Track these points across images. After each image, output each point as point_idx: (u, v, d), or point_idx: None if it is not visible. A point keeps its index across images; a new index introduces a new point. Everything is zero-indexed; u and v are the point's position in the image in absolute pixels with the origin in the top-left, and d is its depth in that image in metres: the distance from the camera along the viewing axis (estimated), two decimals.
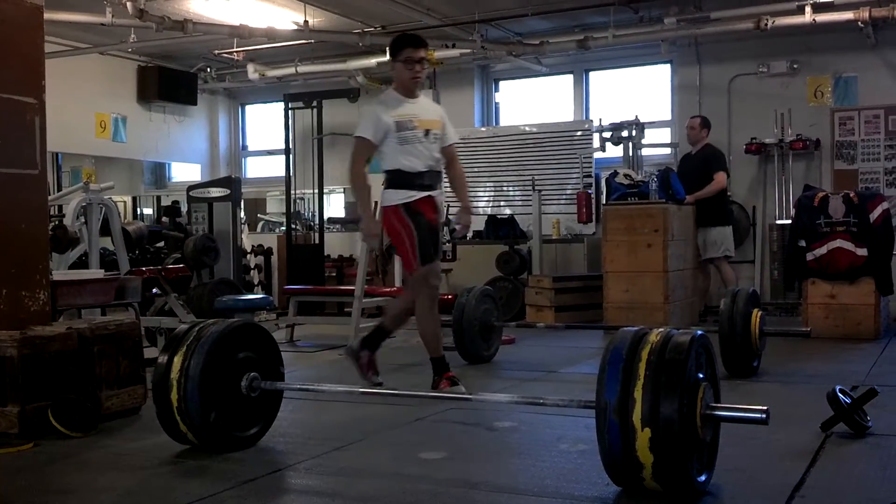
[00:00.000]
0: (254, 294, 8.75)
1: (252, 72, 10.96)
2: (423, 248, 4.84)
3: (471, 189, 11.12)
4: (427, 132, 4.90)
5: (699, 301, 8.46)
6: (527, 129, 10.49)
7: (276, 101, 11.58)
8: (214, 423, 3.56)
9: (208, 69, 11.72)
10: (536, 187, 9.52)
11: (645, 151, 9.83)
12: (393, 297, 7.92)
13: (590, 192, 9.76)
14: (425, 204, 4.89)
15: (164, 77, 11.28)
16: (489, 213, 10.30)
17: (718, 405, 2.99)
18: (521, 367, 5.99)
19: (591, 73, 10.80)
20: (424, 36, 9.63)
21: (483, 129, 10.96)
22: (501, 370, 5.84)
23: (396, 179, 4.88)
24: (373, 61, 10.32)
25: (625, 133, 9.73)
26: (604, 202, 8.41)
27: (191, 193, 9.39)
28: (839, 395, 3.77)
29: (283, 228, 11.12)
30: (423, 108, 5.01)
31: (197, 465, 3.49)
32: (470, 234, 5.33)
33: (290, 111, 10.67)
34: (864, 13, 8.10)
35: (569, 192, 10.02)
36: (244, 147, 13.04)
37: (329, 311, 9.25)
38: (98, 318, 5.36)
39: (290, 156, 10.65)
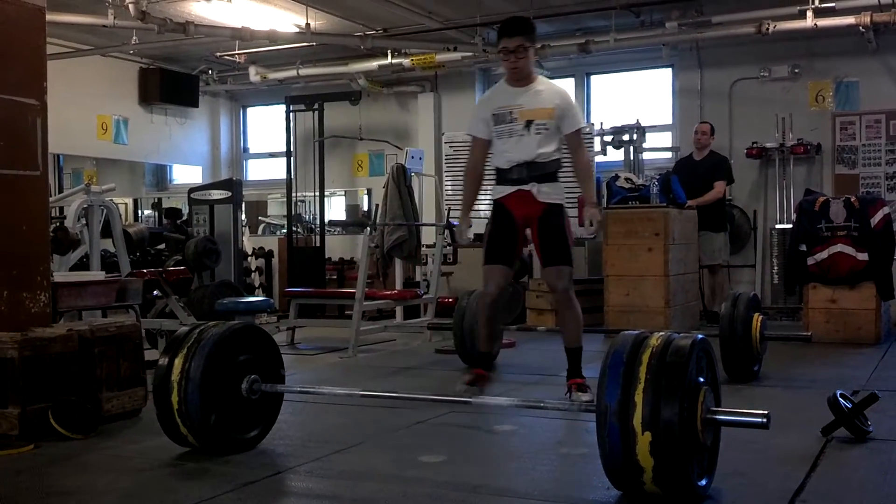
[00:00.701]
0: (254, 296, 8.74)
1: (253, 74, 10.98)
2: (488, 247, 4.77)
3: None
4: (529, 123, 4.60)
5: (714, 300, 8.44)
6: None
7: (278, 104, 11.59)
8: (215, 425, 3.56)
9: (210, 71, 11.74)
10: None
11: (646, 155, 9.82)
12: (394, 299, 7.95)
13: None
14: (514, 199, 4.68)
15: (165, 79, 11.29)
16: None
17: (719, 409, 2.98)
18: (521, 371, 5.99)
19: (593, 77, 10.80)
20: (425, 39, 9.80)
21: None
22: (502, 373, 5.83)
23: (495, 176, 4.77)
24: (374, 64, 10.33)
25: (626, 137, 9.73)
26: (605, 206, 8.40)
27: (192, 195, 9.39)
28: (840, 399, 3.77)
29: (284, 231, 11.12)
30: (532, 96, 4.66)
31: (197, 468, 3.49)
32: (470, 237, 5.08)
33: (291, 114, 10.68)
34: (866, 18, 8.10)
35: (570, 195, 9.97)
36: (245, 149, 13.05)
37: (330, 314, 9.25)
38: (99, 320, 5.36)
39: (292, 158, 10.65)
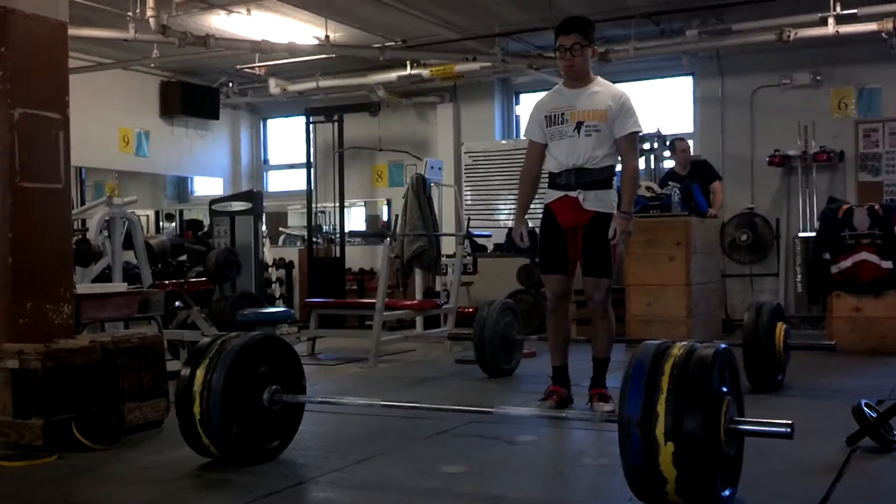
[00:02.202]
0: (275, 307, 8.77)
1: (273, 86, 11.03)
2: (541, 255, 4.70)
3: (491, 202, 11.35)
4: (580, 125, 4.45)
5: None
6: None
7: (298, 116, 11.65)
8: (236, 435, 3.57)
9: (230, 84, 11.82)
10: None
11: (667, 164, 9.79)
12: (414, 310, 7.95)
13: None
14: (561, 205, 4.56)
15: (186, 92, 11.38)
16: (510, 225, 10.29)
17: (742, 419, 2.96)
18: (542, 381, 5.93)
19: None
20: (444, 50, 9.81)
21: (504, 141, 10.96)
22: (522, 384, 5.82)
23: (549, 180, 4.64)
24: (393, 75, 10.36)
25: (646, 146, 9.71)
26: None
27: (213, 207, 9.44)
28: (865, 409, 3.73)
29: (305, 242, 11.16)
30: (587, 97, 4.51)
31: (219, 478, 3.49)
32: (526, 242, 4.84)
33: (311, 125, 10.73)
34: (888, 24, 8.03)
35: None
36: (266, 161, 13.12)
37: (350, 325, 9.26)
38: (121, 332, 5.39)
39: (312, 169, 10.70)
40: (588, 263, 4.56)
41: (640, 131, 4.57)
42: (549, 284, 4.70)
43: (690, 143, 9.99)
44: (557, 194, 4.55)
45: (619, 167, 4.63)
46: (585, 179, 4.46)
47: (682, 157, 8.54)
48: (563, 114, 4.49)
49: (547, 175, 4.68)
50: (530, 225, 4.85)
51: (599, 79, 4.63)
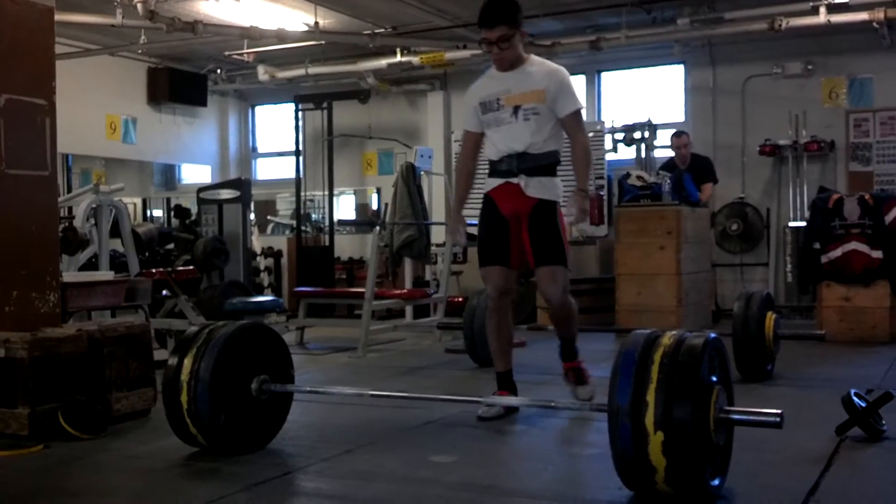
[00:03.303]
0: (263, 296, 8.74)
1: (262, 73, 10.97)
2: (480, 246, 4.36)
3: (481, 191, 11.15)
4: (516, 109, 4.18)
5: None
6: None
7: (287, 103, 11.59)
8: (224, 425, 3.55)
9: (218, 70, 11.74)
10: None
11: (657, 153, 9.78)
12: (404, 299, 7.93)
13: (602, 193, 9.73)
14: (502, 193, 4.27)
15: (174, 78, 11.30)
16: None
17: (732, 409, 2.96)
18: (531, 371, 5.95)
19: (604, 74, 10.77)
20: (434, 37, 9.77)
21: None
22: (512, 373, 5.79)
23: (488, 168, 4.36)
24: (383, 63, 10.32)
25: (637, 134, 9.71)
26: (616, 204, 8.37)
27: (201, 195, 9.39)
28: (854, 398, 3.73)
29: (294, 230, 11.12)
30: (521, 79, 4.22)
31: (206, 468, 3.47)
32: (462, 240, 4.62)
33: (300, 112, 10.68)
34: (880, 14, 8.05)
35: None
36: (254, 149, 13.06)
37: (339, 314, 9.24)
38: (108, 320, 5.36)
39: (301, 157, 10.66)
40: (539, 253, 4.24)
41: (582, 108, 4.30)
42: (489, 278, 4.31)
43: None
44: (498, 181, 4.27)
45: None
46: (528, 165, 4.20)
47: (679, 153, 8.52)
48: (497, 99, 4.22)
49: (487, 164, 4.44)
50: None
51: (533, 57, 4.34)
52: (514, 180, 4.21)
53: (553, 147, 4.24)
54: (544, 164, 4.23)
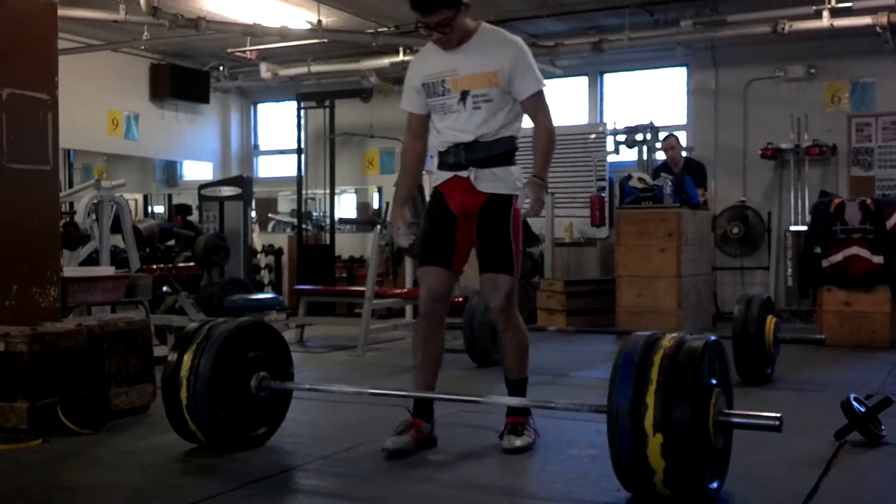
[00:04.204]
0: (264, 294, 8.74)
1: (265, 71, 10.97)
2: (421, 243, 3.84)
3: None
4: (464, 95, 3.62)
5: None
6: None
7: (289, 101, 11.59)
8: (223, 421, 3.55)
9: (221, 68, 11.74)
10: (549, 190, 9.45)
11: (659, 155, 9.78)
12: (404, 298, 7.93)
13: (603, 195, 9.73)
14: (451, 187, 3.74)
15: (176, 75, 11.29)
16: None
17: (731, 411, 2.96)
18: (531, 371, 5.89)
19: (606, 76, 10.76)
20: None
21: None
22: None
23: (438, 160, 3.84)
24: (386, 61, 10.31)
25: (639, 136, 9.70)
26: (617, 206, 8.37)
27: (202, 192, 9.39)
28: (853, 403, 3.73)
29: (294, 228, 11.12)
30: (470, 56, 3.61)
31: (205, 464, 3.48)
32: (406, 241, 3.91)
33: (302, 111, 10.68)
34: (883, 18, 8.04)
35: (582, 195, 9.99)
36: (256, 146, 13.06)
37: (339, 312, 9.24)
38: (108, 316, 5.36)
39: (302, 155, 10.65)
40: (484, 256, 3.71)
41: (544, 86, 3.68)
42: (424, 279, 3.76)
43: (683, 134, 10.03)
44: (446, 175, 3.75)
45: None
46: (478, 156, 3.65)
47: (670, 155, 8.52)
48: (443, 81, 3.64)
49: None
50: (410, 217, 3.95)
51: (483, 27, 3.70)
52: (464, 174, 3.68)
53: (509, 133, 3.69)
54: (498, 153, 3.68)
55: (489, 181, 3.67)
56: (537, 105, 3.67)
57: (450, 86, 3.63)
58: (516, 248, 3.70)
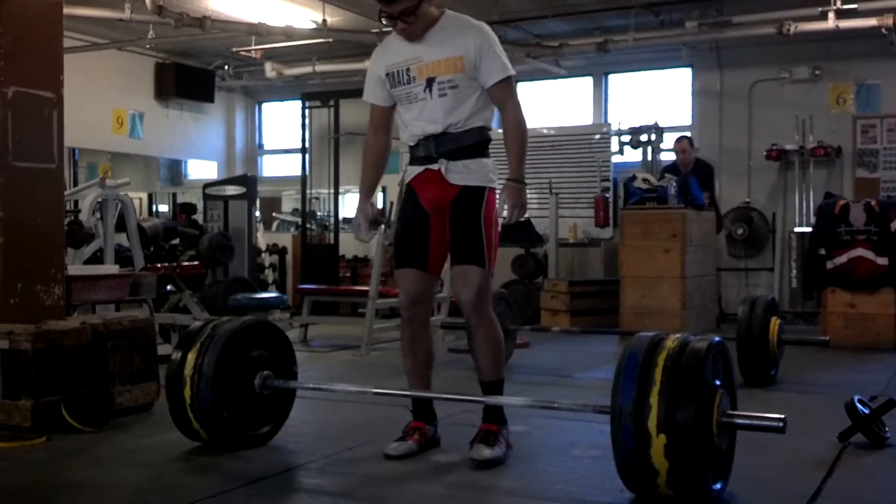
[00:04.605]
0: (268, 293, 8.74)
1: (269, 70, 10.97)
2: (396, 244, 3.75)
3: None
4: (430, 82, 3.48)
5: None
6: (545, 131, 10.45)
7: (294, 100, 11.59)
8: (227, 420, 3.55)
9: (226, 67, 11.75)
10: (553, 190, 9.48)
11: (664, 156, 9.77)
12: None
13: (607, 196, 9.72)
14: (422, 182, 3.61)
15: (181, 74, 11.30)
16: (504, 214, 10.25)
17: (735, 413, 2.96)
18: (534, 371, 5.96)
19: (611, 76, 10.75)
20: None
21: (500, 130, 10.91)
22: (515, 374, 5.80)
23: (410, 154, 3.70)
24: None
25: (644, 137, 9.70)
26: (621, 206, 8.36)
27: (206, 191, 9.40)
28: (857, 405, 3.73)
29: (299, 227, 11.12)
30: (434, 43, 3.50)
31: (208, 463, 3.48)
32: (367, 236, 3.86)
33: (307, 110, 10.67)
34: (888, 20, 8.01)
35: (586, 195, 9.98)
36: (260, 145, 13.06)
37: (343, 312, 9.24)
38: (112, 314, 5.36)
39: (307, 155, 10.65)
40: (455, 249, 3.56)
41: (512, 74, 3.54)
42: (402, 283, 3.66)
43: (687, 134, 10.02)
44: (417, 169, 3.61)
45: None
46: (448, 147, 3.51)
47: (681, 158, 8.50)
48: (407, 69, 3.52)
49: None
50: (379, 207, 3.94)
51: (448, 13, 3.58)
52: (434, 166, 3.54)
53: (479, 123, 3.55)
54: (469, 144, 3.53)
55: (461, 173, 3.53)
56: (504, 93, 3.52)
57: (415, 73, 3.51)
58: (489, 240, 3.52)
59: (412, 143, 3.62)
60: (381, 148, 3.78)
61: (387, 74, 3.60)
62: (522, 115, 3.57)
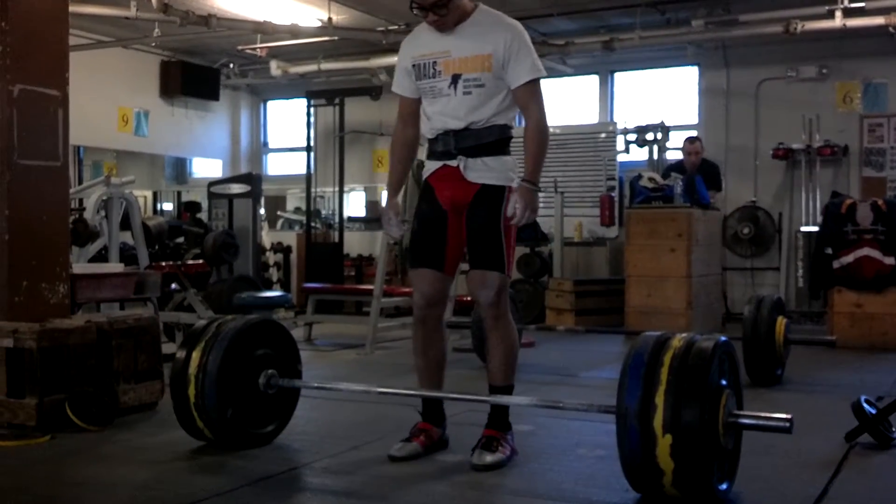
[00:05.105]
0: (272, 291, 8.74)
1: (275, 68, 10.97)
2: (411, 243, 3.69)
3: None
4: (456, 78, 3.42)
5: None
6: (551, 130, 10.41)
7: (299, 98, 11.60)
8: (231, 419, 3.55)
9: (231, 65, 11.76)
10: (559, 189, 9.46)
11: (670, 155, 9.75)
12: (411, 296, 7.91)
13: (613, 195, 9.70)
14: (440, 178, 3.55)
15: (186, 72, 11.32)
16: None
17: (741, 412, 2.95)
18: (540, 371, 5.95)
19: (617, 75, 10.73)
20: None
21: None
22: (520, 373, 5.71)
23: (427, 149, 3.64)
24: (395, 59, 10.27)
25: (650, 136, 9.68)
26: (627, 205, 8.35)
27: (211, 189, 9.41)
28: (864, 405, 3.72)
29: (303, 226, 11.13)
30: (465, 37, 3.43)
31: (213, 462, 3.48)
32: (397, 233, 3.74)
33: (312, 108, 10.68)
34: (895, 18, 8.00)
35: (592, 194, 9.96)
36: (265, 143, 13.08)
37: (347, 311, 9.25)
38: (117, 312, 5.37)
39: (312, 153, 10.66)
40: (473, 252, 3.51)
41: (543, 76, 3.48)
42: (417, 283, 3.61)
43: (694, 134, 9.99)
44: (436, 165, 3.55)
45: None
46: (468, 143, 3.45)
47: (693, 159, 8.46)
48: (434, 63, 3.46)
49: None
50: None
51: (481, 7, 3.51)
52: (453, 163, 3.47)
53: (502, 121, 3.49)
54: (489, 142, 3.46)
55: (480, 171, 3.46)
56: (530, 95, 3.45)
57: (441, 68, 3.45)
58: (507, 244, 3.48)
59: (431, 136, 3.56)
60: (410, 140, 3.71)
61: (413, 66, 3.54)
62: (546, 119, 3.51)
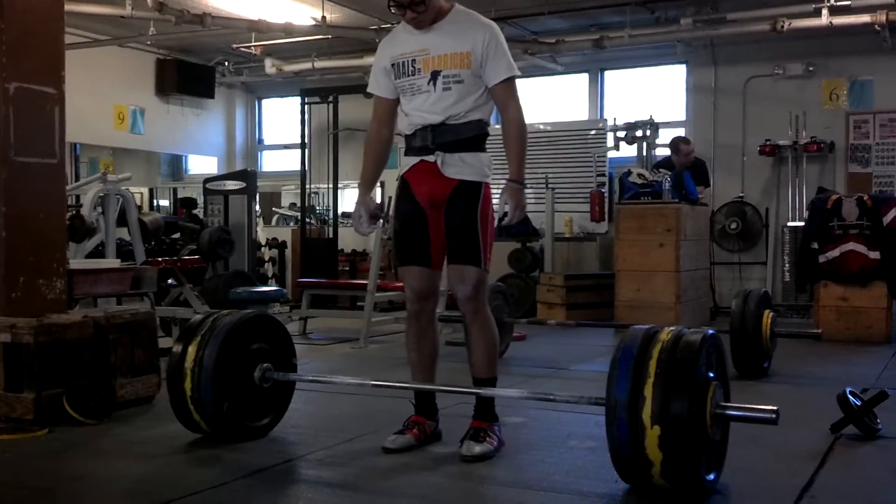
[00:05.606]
0: (267, 286, 8.78)
1: (269, 66, 11.00)
2: (396, 241, 3.72)
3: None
4: (435, 75, 3.46)
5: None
6: (541, 127, 10.48)
7: (293, 96, 11.62)
8: (227, 412, 3.59)
9: (226, 63, 11.78)
10: (550, 185, 9.52)
11: (659, 151, 9.81)
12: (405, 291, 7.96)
13: (603, 190, 9.77)
14: (417, 174, 3.57)
15: (182, 70, 11.34)
16: (506, 209, 10.28)
17: (728, 404, 2.99)
18: (531, 364, 6.00)
19: (607, 73, 10.79)
20: None
21: (497, 126, 10.94)
22: (512, 366, 5.85)
23: (405, 145, 3.66)
24: None
25: (639, 133, 9.73)
26: (617, 201, 8.41)
27: (207, 186, 9.44)
28: (849, 397, 3.77)
29: (298, 222, 11.16)
30: (443, 36, 3.48)
31: (209, 454, 3.52)
32: (367, 229, 3.74)
33: (306, 106, 10.70)
34: (881, 16, 8.07)
35: (582, 190, 10.02)
36: (260, 141, 13.10)
37: (342, 305, 9.29)
38: (114, 308, 5.40)
39: (306, 150, 10.68)
40: (452, 247, 3.54)
41: (518, 75, 3.55)
42: (407, 280, 3.65)
43: (682, 131, 10.06)
44: (413, 161, 3.57)
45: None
46: (445, 139, 3.48)
47: (686, 160, 8.51)
48: (413, 60, 3.50)
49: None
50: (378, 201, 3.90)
51: (457, 7, 3.57)
52: (430, 158, 3.50)
53: (478, 116, 3.53)
54: (466, 137, 3.50)
55: (457, 167, 3.49)
56: (507, 93, 3.50)
57: (420, 65, 3.49)
58: (484, 238, 3.51)
59: (409, 132, 3.58)
60: (385, 140, 3.72)
61: (392, 65, 3.57)
62: (523, 116, 3.56)
